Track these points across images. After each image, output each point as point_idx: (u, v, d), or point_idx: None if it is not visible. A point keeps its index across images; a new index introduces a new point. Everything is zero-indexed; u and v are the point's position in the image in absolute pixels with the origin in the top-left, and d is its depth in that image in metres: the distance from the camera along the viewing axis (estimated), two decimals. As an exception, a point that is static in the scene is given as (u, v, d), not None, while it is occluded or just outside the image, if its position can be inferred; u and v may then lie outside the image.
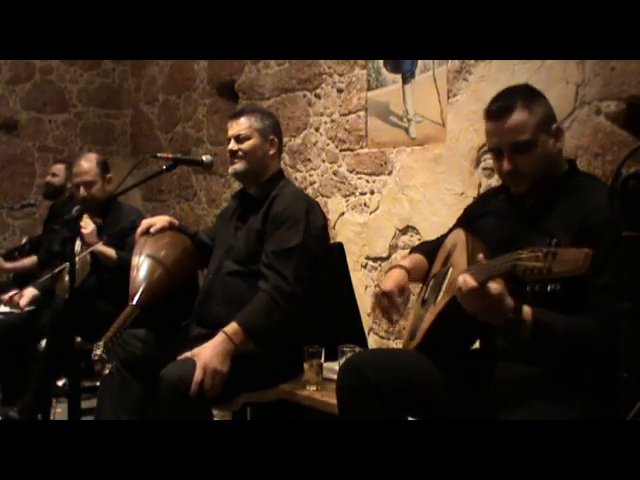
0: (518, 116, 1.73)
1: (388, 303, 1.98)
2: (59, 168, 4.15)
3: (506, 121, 1.74)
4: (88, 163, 3.37)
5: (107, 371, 2.30)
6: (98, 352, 2.19)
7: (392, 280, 2.01)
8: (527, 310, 1.58)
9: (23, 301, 3.33)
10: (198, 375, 2.13)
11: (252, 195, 2.53)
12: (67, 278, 3.08)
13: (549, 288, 1.41)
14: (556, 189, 1.78)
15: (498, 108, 1.77)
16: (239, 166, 2.47)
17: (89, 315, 2.66)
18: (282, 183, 2.52)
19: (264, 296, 2.28)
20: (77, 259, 3.06)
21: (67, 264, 3.11)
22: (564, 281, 1.40)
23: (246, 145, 2.46)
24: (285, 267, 2.29)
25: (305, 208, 2.38)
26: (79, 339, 2.93)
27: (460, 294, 1.59)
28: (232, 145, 2.48)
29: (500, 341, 1.80)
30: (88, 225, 3.13)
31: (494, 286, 1.54)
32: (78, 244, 3.23)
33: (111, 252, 3.16)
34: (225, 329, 2.23)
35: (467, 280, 1.57)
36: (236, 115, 2.54)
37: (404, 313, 1.98)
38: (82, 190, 3.33)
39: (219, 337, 2.21)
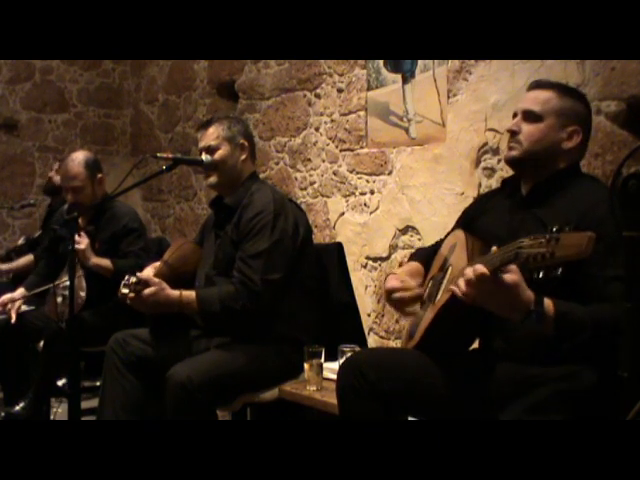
0: (546, 93, 1.86)
1: (397, 294, 1.98)
2: None
3: (535, 92, 1.88)
4: (76, 167, 3.24)
5: (128, 301, 2.38)
6: (133, 280, 2.35)
7: (389, 281, 2.03)
8: (548, 302, 1.53)
9: (14, 313, 3.28)
10: (141, 295, 2.32)
11: (226, 204, 2.55)
12: (59, 300, 3.05)
13: (553, 274, 1.38)
14: (554, 182, 1.81)
15: (542, 82, 1.94)
16: (213, 179, 2.52)
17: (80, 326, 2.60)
18: (254, 187, 2.52)
19: (229, 286, 2.37)
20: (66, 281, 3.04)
21: (55, 283, 3.08)
22: (567, 270, 1.37)
23: (216, 156, 2.49)
24: (253, 271, 2.34)
25: (273, 214, 2.40)
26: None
27: (471, 284, 1.53)
28: (204, 157, 2.50)
29: (498, 342, 1.80)
30: (82, 241, 3.04)
31: (508, 275, 1.49)
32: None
33: (107, 263, 3.11)
34: (184, 293, 2.37)
35: (478, 268, 1.52)
36: (204, 126, 2.57)
37: (420, 293, 1.97)
38: (70, 196, 3.26)
39: (173, 296, 2.37)
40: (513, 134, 1.86)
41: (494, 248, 1.57)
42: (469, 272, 1.55)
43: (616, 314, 1.50)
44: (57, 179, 4.07)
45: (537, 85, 1.91)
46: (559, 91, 1.86)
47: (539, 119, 1.83)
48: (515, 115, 1.90)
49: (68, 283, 2.95)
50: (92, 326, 3.02)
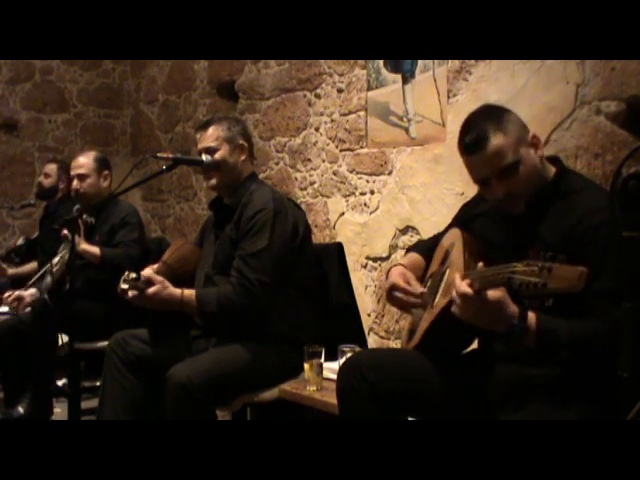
0: (495, 141, 1.69)
1: (400, 294, 1.95)
2: (52, 168, 4.11)
3: (486, 151, 1.70)
4: (85, 158, 3.46)
5: (129, 296, 2.38)
6: (132, 275, 2.34)
7: (394, 274, 2.00)
8: (531, 316, 1.56)
9: (23, 306, 3.32)
10: (143, 293, 2.33)
11: (226, 204, 2.56)
12: (49, 278, 3.12)
13: (545, 304, 1.41)
14: (546, 193, 1.76)
15: (473, 141, 1.72)
16: (213, 181, 2.52)
17: (76, 315, 2.61)
18: (253, 187, 2.52)
19: (227, 287, 2.36)
20: (58, 259, 3.14)
21: (49, 264, 3.17)
22: (560, 295, 1.39)
23: (216, 156, 2.49)
24: (251, 270, 2.35)
25: (272, 212, 2.40)
26: (66, 339, 2.83)
27: (456, 301, 1.58)
28: (204, 157, 2.49)
29: (498, 343, 1.80)
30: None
31: (493, 293, 1.52)
32: (62, 246, 3.26)
33: (95, 250, 3.20)
34: (185, 292, 2.37)
35: (464, 288, 1.55)
36: (203, 127, 2.56)
37: (421, 292, 1.94)
38: (75, 182, 3.40)
39: (175, 295, 2.36)
40: (507, 197, 1.74)
41: (480, 264, 1.60)
42: (453, 293, 1.59)
43: (601, 331, 1.54)
44: (46, 182, 4.11)
45: (477, 143, 1.70)
46: (494, 125, 1.71)
47: (516, 166, 1.70)
48: (486, 182, 1.75)
49: (55, 260, 3.03)
50: (93, 320, 3.03)
